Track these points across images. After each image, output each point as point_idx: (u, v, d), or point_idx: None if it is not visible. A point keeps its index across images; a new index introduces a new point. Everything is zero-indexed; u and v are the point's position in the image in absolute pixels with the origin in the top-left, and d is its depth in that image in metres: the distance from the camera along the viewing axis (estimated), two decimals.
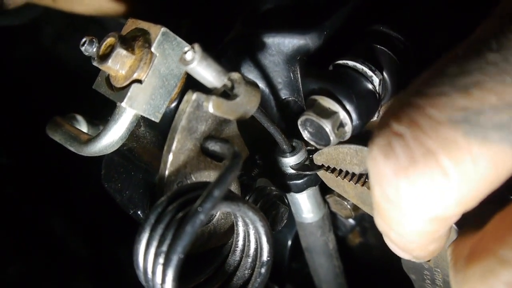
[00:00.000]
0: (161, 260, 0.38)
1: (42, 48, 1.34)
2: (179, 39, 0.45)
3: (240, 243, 0.48)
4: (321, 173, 0.54)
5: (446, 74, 0.31)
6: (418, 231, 0.34)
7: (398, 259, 0.78)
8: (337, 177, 0.53)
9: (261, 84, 0.55)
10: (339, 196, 0.62)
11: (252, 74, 0.54)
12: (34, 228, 0.87)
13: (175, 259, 0.37)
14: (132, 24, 0.47)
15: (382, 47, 0.47)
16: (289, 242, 0.71)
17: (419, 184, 0.31)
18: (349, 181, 0.52)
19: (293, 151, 0.54)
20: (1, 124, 1.10)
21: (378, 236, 0.81)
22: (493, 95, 0.29)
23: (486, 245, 0.32)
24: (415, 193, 0.31)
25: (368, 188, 0.51)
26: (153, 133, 0.53)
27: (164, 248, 0.38)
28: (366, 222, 0.74)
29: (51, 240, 0.87)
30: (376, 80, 0.45)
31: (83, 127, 0.62)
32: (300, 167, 0.54)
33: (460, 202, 0.31)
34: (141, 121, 0.53)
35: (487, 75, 0.30)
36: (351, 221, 0.70)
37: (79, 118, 0.62)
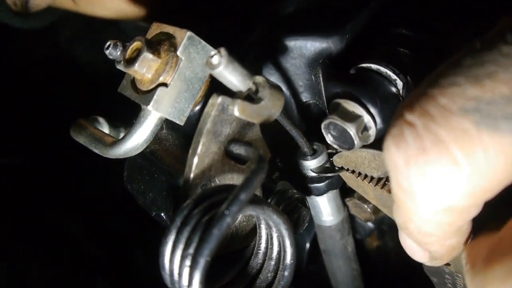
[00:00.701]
0: (188, 262, 0.38)
1: (59, 50, 1.35)
2: (204, 42, 0.45)
3: (263, 245, 0.48)
4: (342, 173, 0.54)
5: (460, 65, 0.31)
6: (435, 222, 0.34)
7: (415, 264, 0.78)
8: (357, 178, 0.53)
9: (283, 87, 0.55)
10: (359, 199, 0.62)
11: (273, 77, 0.55)
12: (51, 230, 0.88)
13: (202, 262, 0.37)
14: (157, 28, 0.47)
15: (405, 50, 0.47)
16: (307, 245, 0.71)
17: (430, 173, 0.31)
18: (368, 183, 0.52)
19: (314, 154, 0.54)
20: (19, 125, 1.12)
21: (396, 240, 0.81)
22: (505, 86, 0.30)
23: (506, 246, 0.32)
24: (426, 182, 0.31)
25: (388, 191, 0.51)
26: (176, 136, 0.54)
27: (191, 250, 0.39)
28: (384, 226, 0.73)
29: (69, 242, 0.88)
30: (400, 84, 0.45)
31: (105, 129, 0.63)
32: (321, 169, 0.54)
33: (472, 193, 0.31)
34: (164, 123, 0.54)
35: (500, 66, 0.30)
36: (370, 224, 0.70)
37: (101, 120, 0.62)
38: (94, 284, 0.87)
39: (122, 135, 0.66)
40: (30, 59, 1.34)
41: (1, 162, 0.89)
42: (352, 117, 0.44)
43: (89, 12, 0.82)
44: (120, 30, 1.34)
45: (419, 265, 0.76)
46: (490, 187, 0.31)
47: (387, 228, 0.75)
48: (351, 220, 0.66)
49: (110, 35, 1.46)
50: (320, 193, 0.56)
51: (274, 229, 0.46)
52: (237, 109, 0.42)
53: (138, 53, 0.43)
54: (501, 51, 0.30)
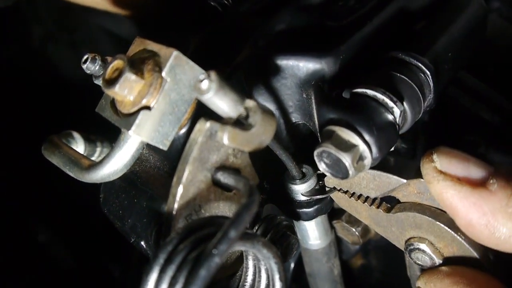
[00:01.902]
0: None
1: (30, 49, 1.29)
2: (191, 63, 0.42)
3: (250, 278, 0.46)
4: (333, 193, 0.52)
5: None
6: None
7: (398, 281, 0.77)
8: (350, 197, 0.51)
9: (272, 107, 0.52)
10: (347, 222, 0.60)
11: (262, 97, 0.52)
12: (25, 240, 0.83)
13: None
14: (140, 44, 0.44)
15: (402, 76, 0.45)
16: (292, 265, 0.69)
17: None
18: (363, 202, 0.51)
19: (304, 177, 0.52)
20: None
21: (380, 257, 0.80)
22: None
23: None
24: None
25: (384, 210, 0.50)
26: (157, 157, 0.50)
27: None
28: (369, 245, 0.72)
29: (42, 253, 0.83)
30: (397, 112, 0.43)
31: (80, 144, 0.59)
32: (311, 193, 0.52)
33: None
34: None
35: None
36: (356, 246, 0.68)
37: (76, 135, 0.58)
38: None
39: (98, 150, 0.62)
40: None
41: None
42: (347, 146, 0.42)
43: None
44: (93, 30, 1.29)
45: (403, 283, 0.75)
46: None
47: (372, 247, 0.73)
48: (337, 241, 0.65)
49: (83, 34, 1.40)
50: (309, 218, 0.54)
51: (262, 262, 0.44)
52: (226, 138, 0.39)
53: (119, 73, 0.40)
54: None
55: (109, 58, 0.49)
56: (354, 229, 0.60)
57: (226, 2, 0.60)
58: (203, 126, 0.41)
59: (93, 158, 0.62)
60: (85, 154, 0.58)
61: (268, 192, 0.55)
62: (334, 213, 0.63)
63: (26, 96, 1.21)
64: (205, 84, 0.37)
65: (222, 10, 0.59)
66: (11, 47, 1.28)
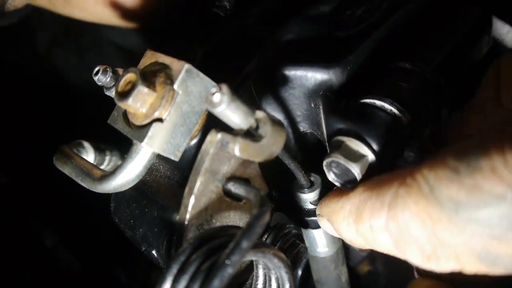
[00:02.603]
0: None
1: (37, 55, 1.30)
2: (202, 75, 0.43)
3: (260, 286, 0.46)
4: None
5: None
6: None
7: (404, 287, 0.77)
8: None
9: (280, 116, 0.53)
10: None
11: (271, 106, 0.53)
12: (31, 243, 0.84)
13: None
14: (151, 57, 0.45)
15: (409, 86, 0.46)
16: (299, 273, 0.69)
17: None
18: None
19: (312, 186, 0.53)
20: None
21: (387, 264, 0.81)
22: None
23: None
24: None
25: None
26: (168, 167, 0.51)
27: None
28: (375, 251, 0.72)
29: (49, 257, 0.84)
30: (405, 121, 0.44)
31: (90, 154, 0.60)
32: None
33: None
34: None
35: None
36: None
37: (86, 145, 0.59)
38: None
39: (107, 159, 0.63)
40: (4, 61, 1.28)
41: None
42: (357, 157, 0.42)
43: (67, 13, 0.79)
44: (98, 37, 1.29)
45: None
46: None
47: (378, 254, 0.74)
48: (344, 247, 0.65)
49: (89, 41, 1.41)
50: (317, 226, 0.54)
51: (273, 272, 0.44)
52: (238, 149, 0.40)
53: (132, 86, 0.40)
54: None
55: (120, 70, 0.49)
56: None
57: (227, 5, 0.60)
58: (215, 137, 0.41)
59: (102, 167, 0.63)
60: (95, 163, 0.59)
61: (276, 200, 0.55)
62: None
63: (33, 102, 1.22)
64: (217, 97, 0.38)
65: (224, 15, 0.60)
66: (18, 53, 1.29)
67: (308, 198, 0.52)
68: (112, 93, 0.49)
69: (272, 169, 0.52)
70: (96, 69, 0.48)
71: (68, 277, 0.89)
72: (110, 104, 0.48)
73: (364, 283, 0.77)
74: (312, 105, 0.51)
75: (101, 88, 0.51)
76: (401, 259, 0.60)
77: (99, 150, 0.61)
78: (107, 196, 0.54)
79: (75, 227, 1.00)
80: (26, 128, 1.16)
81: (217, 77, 0.43)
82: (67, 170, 0.49)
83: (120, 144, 0.67)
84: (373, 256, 0.74)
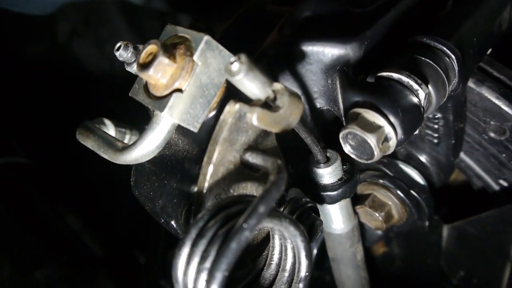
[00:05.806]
0: (204, 276, 0.37)
1: (57, 45, 1.33)
2: (221, 47, 0.44)
3: (276, 256, 0.47)
4: None
5: None
6: None
7: (419, 269, 0.77)
8: None
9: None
10: (371, 207, 0.61)
11: (288, 82, 0.53)
12: (52, 228, 0.87)
13: (219, 277, 0.36)
14: (171, 30, 0.46)
15: (427, 59, 0.46)
16: (315, 251, 0.70)
17: None
18: None
19: (328, 161, 0.53)
20: (19, 123, 1.09)
21: (402, 246, 0.81)
22: None
23: None
24: None
25: None
26: (186, 141, 0.52)
27: (208, 264, 0.37)
28: (391, 233, 0.73)
29: (70, 241, 0.86)
30: (422, 94, 0.44)
31: (111, 131, 0.61)
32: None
33: None
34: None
35: None
36: (378, 231, 0.69)
37: (108, 122, 0.61)
38: (95, 283, 0.86)
39: (127, 137, 0.65)
40: (26, 52, 1.32)
41: (2, 161, 0.87)
42: (373, 128, 0.43)
43: None
44: (116, 26, 1.32)
45: (424, 271, 0.75)
46: None
47: (394, 235, 0.74)
48: (360, 227, 0.65)
49: (108, 30, 1.43)
50: (333, 201, 0.55)
51: (289, 241, 0.45)
52: (255, 118, 0.40)
53: (153, 57, 0.42)
54: None
55: (140, 46, 0.51)
56: (377, 214, 0.60)
57: None
58: (233, 107, 0.42)
59: None
60: None
61: (292, 176, 0.56)
62: (357, 199, 0.64)
63: (53, 90, 1.25)
64: (235, 66, 0.38)
65: None
66: (39, 44, 1.33)
67: (324, 173, 0.53)
68: (133, 69, 0.50)
69: (288, 145, 0.53)
70: (118, 44, 0.49)
71: (90, 261, 0.92)
72: (127, 90, 0.49)
73: (379, 265, 0.77)
74: (329, 81, 0.52)
75: (119, 77, 0.52)
76: (416, 241, 0.59)
77: (120, 127, 0.63)
78: (127, 184, 0.55)
79: (97, 213, 1.03)
80: (47, 115, 1.19)
81: (236, 53, 0.44)
82: (89, 143, 0.51)
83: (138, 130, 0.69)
84: (388, 237, 0.74)
